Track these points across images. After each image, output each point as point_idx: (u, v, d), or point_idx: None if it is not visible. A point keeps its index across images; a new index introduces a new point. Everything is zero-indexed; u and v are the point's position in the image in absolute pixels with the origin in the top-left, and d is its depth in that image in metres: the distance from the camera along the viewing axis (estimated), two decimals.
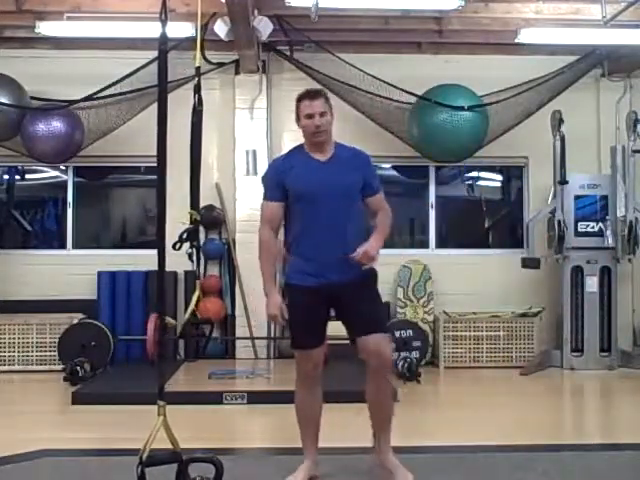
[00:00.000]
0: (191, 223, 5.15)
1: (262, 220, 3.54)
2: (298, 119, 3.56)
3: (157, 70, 3.40)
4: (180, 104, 5.61)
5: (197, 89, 5.11)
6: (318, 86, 7.17)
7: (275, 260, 3.55)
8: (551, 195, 7.27)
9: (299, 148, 3.62)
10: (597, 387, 6.71)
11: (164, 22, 3.29)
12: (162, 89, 3.37)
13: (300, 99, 3.55)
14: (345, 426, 4.39)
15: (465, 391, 6.26)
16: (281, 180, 3.48)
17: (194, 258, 5.73)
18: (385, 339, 3.50)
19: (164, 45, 3.35)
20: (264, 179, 3.63)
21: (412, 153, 7.34)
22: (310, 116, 3.49)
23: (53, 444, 4.30)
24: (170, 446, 3.21)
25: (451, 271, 7.43)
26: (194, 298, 6.03)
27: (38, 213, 8.11)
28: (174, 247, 5.04)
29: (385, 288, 6.66)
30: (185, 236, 5.10)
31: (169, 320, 4.07)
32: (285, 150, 7.43)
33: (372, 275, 3.54)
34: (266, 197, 3.55)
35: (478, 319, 7.21)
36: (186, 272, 7.13)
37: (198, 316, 6.60)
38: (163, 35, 3.33)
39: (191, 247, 5.44)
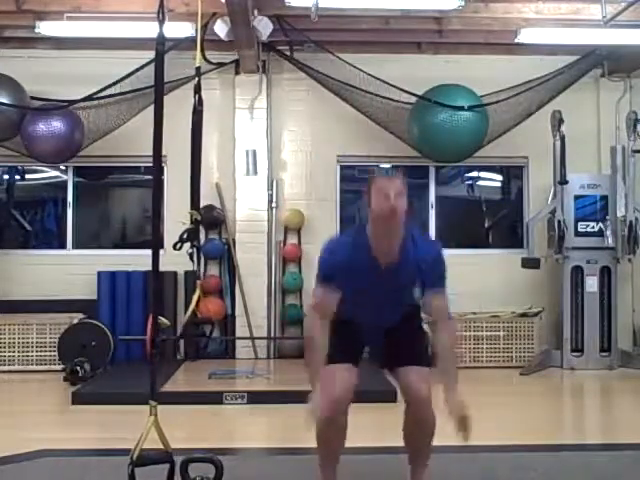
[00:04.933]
0: (191, 223, 5.14)
1: (314, 307, 3.18)
2: (368, 197, 3.06)
3: (154, 70, 3.39)
4: (180, 104, 5.61)
5: (197, 89, 5.10)
6: (318, 86, 7.22)
7: (323, 356, 3.19)
8: (551, 195, 7.27)
9: (361, 238, 3.10)
10: (597, 387, 6.71)
11: (162, 22, 3.28)
12: (159, 89, 3.36)
13: (375, 176, 3.14)
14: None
15: (465, 391, 6.23)
16: (336, 273, 3.09)
17: (195, 258, 5.74)
18: (424, 373, 3.18)
19: (161, 45, 3.34)
20: (321, 263, 3.16)
21: (412, 153, 7.34)
22: (386, 197, 2.97)
23: (53, 444, 4.29)
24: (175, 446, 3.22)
25: (451, 271, 7.37)
26: (194, 298, 6.03)
27: (38, 213, 8.12)
28: (174, 247, 5.04)
29: None
30: (185, 236, 5.10)
31: (162, 320, 4.06)
32: (285, 150, 7.59)
33: (416, 309, 3.37)
34: (321, 282, 3.13)
35: (478, 319, 7.21)
36: (186, 272, 7.13)
37: (199, 316, 6.60)
38: (160, 35, 3.32)
39: (192, 247, 5.44)
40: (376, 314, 3.19)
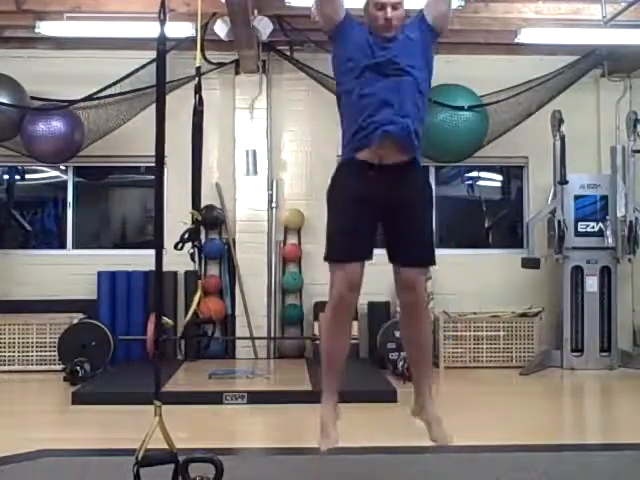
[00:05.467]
0: (193, 223, 5.14)
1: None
2: (366, 7, 3.23)
3: (156, 70, 3.39)
4: (180, 104, 5.61)
5: (198, 89, 5.10)
6: (318, 86, 7.21)
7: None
8: (551, 195, 7.27)
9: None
10: (597, 387, 6.71)
11: (163, 22, 3.28)
12: (160, 90, 3.36)
13: None
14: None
15: (465, 391, 6.26)
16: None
17: (196, 258, 5.74)
18: (420, 275, 3.24)
19: (163, 45, 3.34)
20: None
21: None
22: (382, 6, 3.16)
23: (53, 444, 4.29)
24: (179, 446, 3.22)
25: (451, 271, 7.42)
26: (196, 298, 6.03)
27: (38, 213, 8.12)
28: (176, 247, 5.04)
29: (385, 288, 6.66)
30: (187, 236, 5.10)
31: (165, 320, 4.06)
32: (285, 150, 7.59)
33: (428, 186, 3.39)
34: None
35: (478, 319, 7.21)
36: (186, 272, 7.13)
37: (200, 316, 6.60)
38: (162, 35, 3.32)
39: (193, 247, 5.44)
40: (385, 94, 3.14)
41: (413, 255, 3.21)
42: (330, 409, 3.29)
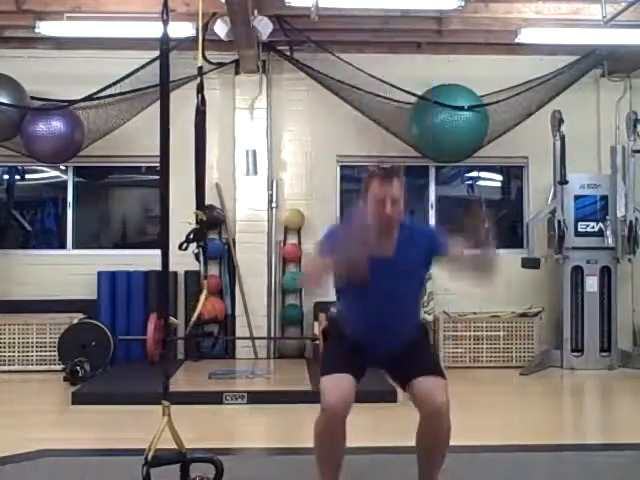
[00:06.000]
0: (197, 223, 5.14)
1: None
2: (365, 198, 3.08)
3: (159, 71, 3.39)
4: (181, 104, 5.58)
5: (199, 89, 5.09)
6: (318, 86, 7.22)
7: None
8: (551, 195, 7.27)
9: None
10: (597, 387, 6.71)
11: (166, 22, 3.28)
12: (164, 90, 3.36)
13: (371, 177, 3.07)
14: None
15: (465, 391, 6.25)
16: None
17: (200, 258, 5.73)
18: (441, 383, 3.02)
19: (166, 45, 3.34)
20: (321, 243, 3.14)
21: (412, 153, 7.34)
22: (382, 202, 3.00)
23: (53, 444, 4.29)
24: (174, 446, 3.21)
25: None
26: (202, 298, 6.03)
27: (38, 213, 8.12)
28: (180, 247, 5.03)
29: None
30: (192, 236, 5.10)
31: (172, 320, 4.07)
32: (285, 150, 7.59)
33: (424, 330, 3.38)
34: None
35: (478, 319, 7.21)
36: (186, 272, 7.13)
37: (205, 316, 6.60)
38: (165, 35, 3.32)
39: (198, 247, 5.44)
40: (381, 319, 3.07)
41: (426, 368, 3.08)
42: None
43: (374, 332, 3.11)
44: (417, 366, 3.08)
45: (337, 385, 2.96)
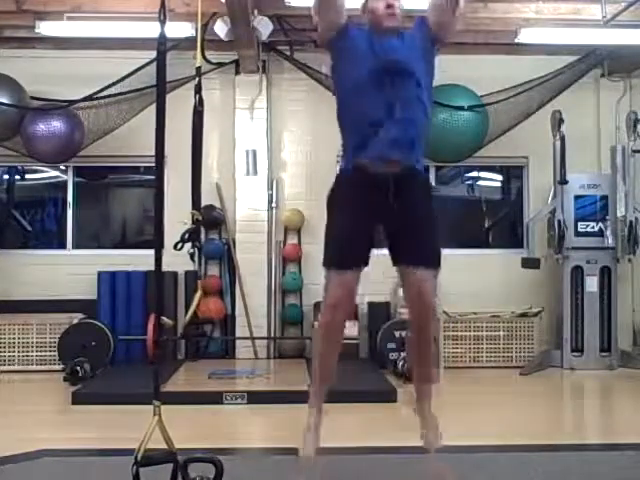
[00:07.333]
0: (193, 223, 5.15)
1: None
2: (364, 3, 3.25)
3: (156, 71, 3.39)
4: (180, 104, 5.60)
5: (198, 89, 5.10)
6: (318, 86, 7.21)
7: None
8: (551, 195, 7.27)
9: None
10: (597, 387, 6.71)
11: (163, 22, 3.28)
12: (161, 90, 3.36)
13: None
14: (337, 426, 4.40)
15: (465, 391, 6.26)
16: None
17: (195, 258, 5.75)
18: (430, 279, 3.17)
19: (163, 45, 3.34)
20: None
21: None
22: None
23: (53, 444, 4.29)
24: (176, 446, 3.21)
25: (451, 271, 7.38)
26: (196, 298, 6.04)
27: (38, 213, 8.11)
28: (175, 247, 5.04)
29: (385, 288, 6.67)
30: (187, 236, 5.11)
31: (165, 320, 4.07)
32: (285, 150, 7.59)
33: (429, 186, 3.37)
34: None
35: (478, 319, 7.21)
36: (186, 272, 7.14)
37: (200, 316, 6.60)
38: (162, 35, 3.32)
39: (193, 247, 5.46)
40: (386, 103, 3.07)
41: (419, 255, 3.15)
42: (316, 414, 3.29)
43: (381, 119, 3.07)
44: (414, 250, 3.14)
45: (342, 283, 3.07)
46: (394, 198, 3.10)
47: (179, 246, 4.98)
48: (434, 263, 3.20)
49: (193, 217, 5.02)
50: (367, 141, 3.12)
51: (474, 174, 8.27)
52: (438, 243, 3.26)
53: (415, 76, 3.15)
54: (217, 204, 7.39)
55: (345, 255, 3.11)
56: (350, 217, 3.12)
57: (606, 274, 7.19)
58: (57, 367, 6.63)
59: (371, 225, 3.15)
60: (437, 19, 3.28)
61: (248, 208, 7.39)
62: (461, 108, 6.86)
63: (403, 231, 3.15)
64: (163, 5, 3.25)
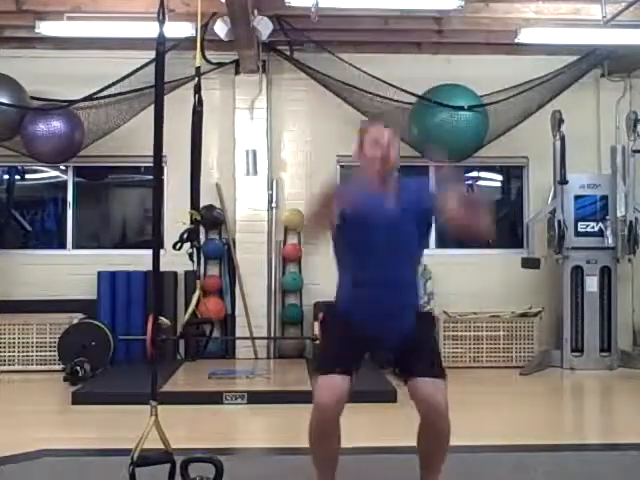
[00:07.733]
0: (192, 223, 5.15)
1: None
2: (360, 148, 3.18)
3: (154, 70, 3.39)
4: (180, 104, 5.60)
5: (197, 89, 5.10)
6: (318, 86, 7.22)
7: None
8: (551, 195, 7.27)
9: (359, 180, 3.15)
10: (597, 387, 6.71)
11: (162, 22, 3.28)
12: (159, 90, 3.36)
13: (364, 127, 3.25)
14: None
15: (465, 391, 6.24)
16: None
17: (194, 258, 5.74)
18: (440, 386, 3.01)
19: (162, 45, 3.34)
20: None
21: (412, 153, 7.32)
22: (376, 143, 3.11)
23: (53, 444, 4.30)
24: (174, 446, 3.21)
25: (451, 271, 7.43)
26: (194, 298, 6.04)
27: (38, 213, 8.12)
28: (174, 247, 5.05)
29: None
30: (186, 236, 5.11)
31: (163, 320, 4.08)
32: (285, 150, 7.59)
33: (429, 318, 3.40)
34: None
35: (478, 319, 7.21)
36: (186, 272, 7.13)
37: (198, 316, 6.58)
38: (161, 35, 3.32)
39: (192, 247, 5.46)
40: (382, 271, 3.04)
41: (427, 368, 3.04)
42: None
43: (372, 296, 3.05)
44: (418, 364, 3.04)
45: (329, 385, 2.94)
46: (388, 340, 3.11)
47: (178, 246, 4.99)
48: (440, 375, 3.07)
49: (192, 217, 5.02)
50: (356, 303, 3.10)
51: (474, 174, 8.27)
52: (440, 362, 3.19)
53: (409, 239, 3.13)
54: (217, 204, 7.40)
55: (336, 363, 3.01)
56: (343, 346, 3.08)
57: (606, 274, 7.19)
58: (57, 367, 6.63)
59: (363, 347, 3.15)
60: (443, 215, 3.13)
61: (248, 208, 7.39)
62: (461, 108, 6.86)
63: (405, 360, 3.11)
64: (162, 5, 3.25)
